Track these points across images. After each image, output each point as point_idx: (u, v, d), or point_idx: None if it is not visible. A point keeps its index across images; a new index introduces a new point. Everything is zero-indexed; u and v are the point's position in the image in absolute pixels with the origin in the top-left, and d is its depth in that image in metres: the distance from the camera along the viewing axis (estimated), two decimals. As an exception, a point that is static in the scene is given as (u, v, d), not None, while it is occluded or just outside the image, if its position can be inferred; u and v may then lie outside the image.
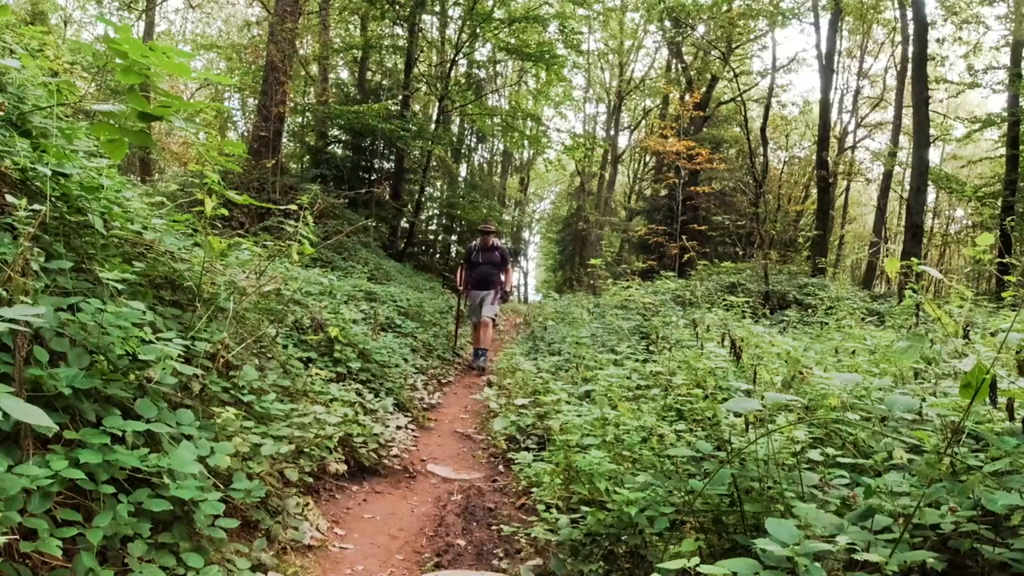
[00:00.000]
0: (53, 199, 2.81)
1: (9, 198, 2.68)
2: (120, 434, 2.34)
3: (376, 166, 20.66)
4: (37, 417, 1.11)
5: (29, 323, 2.09)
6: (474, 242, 9.95)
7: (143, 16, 20.07)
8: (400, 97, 18.97)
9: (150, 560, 2.25)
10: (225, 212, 3.86)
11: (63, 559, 2.02)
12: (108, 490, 2.20)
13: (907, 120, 20.67)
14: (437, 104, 20.27)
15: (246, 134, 25.39)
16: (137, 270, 3.14)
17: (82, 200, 3.06)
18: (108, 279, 2.71)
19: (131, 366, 2.61)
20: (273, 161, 14.06)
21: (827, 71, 19.91)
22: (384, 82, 22.51)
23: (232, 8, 28.64)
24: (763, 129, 22.09)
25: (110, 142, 2.73)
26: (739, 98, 23.74)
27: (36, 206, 2.58)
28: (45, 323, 2.34)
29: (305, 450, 3.67)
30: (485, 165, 34.49)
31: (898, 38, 22.98)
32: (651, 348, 6.86)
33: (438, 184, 24.92)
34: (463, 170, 28.60)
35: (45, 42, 4.60)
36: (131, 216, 3.49)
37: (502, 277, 9.74)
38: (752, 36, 24.92)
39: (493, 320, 9.62)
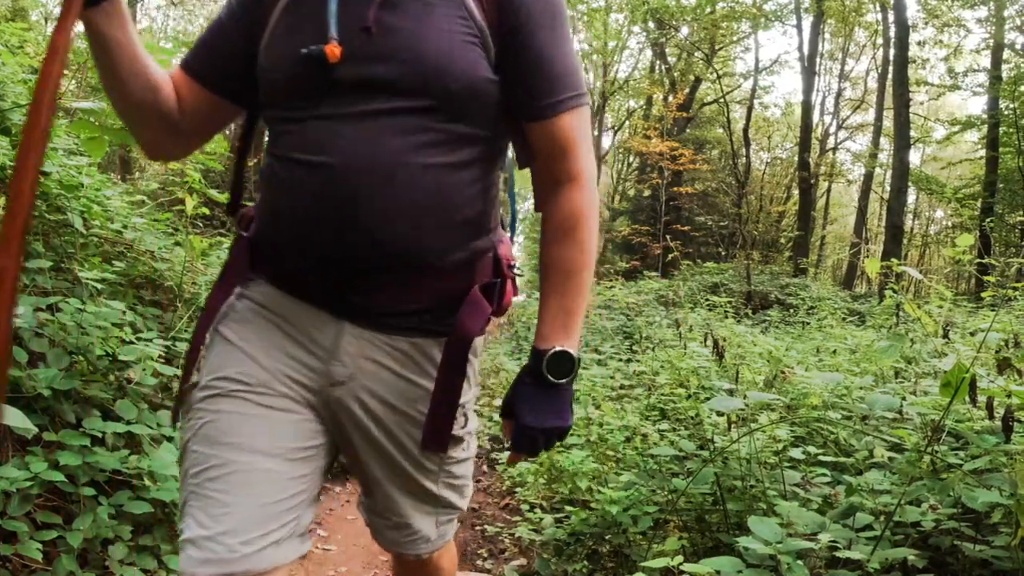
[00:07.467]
0: (32, 198, 2.76)
1: (-13, 196, 2.64)
2: (100, 436, 2.31)
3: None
4: (16, 419, 1.10)
5: (7, 323, 2.06)
6: None
7: (124, 13, 19.84)
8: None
9: (131, 563, 2.22)
10: (206, 211, 3.83)
11: (43, 562, 2.00)
12: (88, 492, 2.17)
13: (888, 122, 20.87)
14: (421, 103, 20.21)
15: (228, 132, 25.23)
16: (117, 270, 3.11)
17: (62, 199, 3.02)
18: (88, 279, 2.68)
19: (111, 367, 2.58)
20: (256, 159, 13.97)
21: (809, 73, 20.10)
22: (368, 81, 22.40)
23: (214, 5, 28.42)
24: (746, 130, 22.27)
25: (90, 140, 2.69)
26: (722, 99, 23.91)
27: (15, 204, 2.55)
28: (24, 323, 2.31)
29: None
30: (469, 164, 34.38)
31: (880, 41, 23.19)
32: (634, 348, 6.87)
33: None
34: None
35: (25, 39, 4.54)
36: (111, 215, 3.45)
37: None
38: (735, 38, 25.07)
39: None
